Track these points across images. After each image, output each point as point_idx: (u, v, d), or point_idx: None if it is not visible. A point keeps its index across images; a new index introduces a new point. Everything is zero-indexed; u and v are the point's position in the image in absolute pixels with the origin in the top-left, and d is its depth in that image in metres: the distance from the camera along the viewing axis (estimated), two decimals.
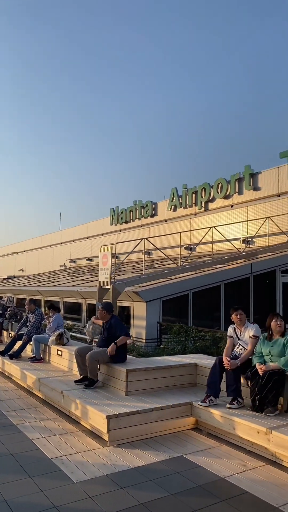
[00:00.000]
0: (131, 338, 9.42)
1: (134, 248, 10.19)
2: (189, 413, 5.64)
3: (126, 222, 25.70)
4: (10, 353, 9.22)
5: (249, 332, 5.70)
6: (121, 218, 25.97)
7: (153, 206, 23.87)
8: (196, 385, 6.51)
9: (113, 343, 6.27)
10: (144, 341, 8.94)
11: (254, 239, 14.40)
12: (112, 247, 9.17)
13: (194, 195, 21.16)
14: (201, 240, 11.71)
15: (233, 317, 5.80)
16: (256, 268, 10.87)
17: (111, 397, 5.83)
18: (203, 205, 20.65)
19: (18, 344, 9.06)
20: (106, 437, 5.09)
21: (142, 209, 24.43)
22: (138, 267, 13.99)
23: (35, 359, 8.51)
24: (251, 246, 13.35)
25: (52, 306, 8.98)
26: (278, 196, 17.43)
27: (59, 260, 28.02)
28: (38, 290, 14.63)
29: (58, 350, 8.08)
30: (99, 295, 9.44)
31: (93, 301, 11.54)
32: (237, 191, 19.09)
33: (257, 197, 18.33)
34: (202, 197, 20.59)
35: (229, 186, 19.24)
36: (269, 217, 13.35)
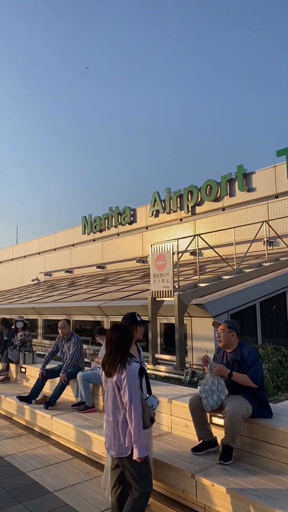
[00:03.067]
0: (190, 366, 6.94)
1: (188, 246, 7.79)
2: None
3: (101, 231, 22.98)
4: (38, 398, 6.40)
5: None
6: (95, 227, 23.20)
7: (132, 212, 21.43)
8: None
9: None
10: None
11: (277, 240, 12.49)
12: (172, 244, 6.67)
13: (179, 199, 19.01)
14: (255, 237, 9.51)
15: None
16: None
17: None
18: (189, 209, 18.52)
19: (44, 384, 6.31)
20: None
21: (119, 216, 21.89)
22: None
23: (85, 407, 5.77)
24: (274, 247, 11.41)
25: (102, 331, 6.29)
26: (276, 197, 15.75)
27: (30, 274, 24.54)
28: (34, 307, 11.60)
29: None
30: (152, 310, 6.87)
31: (119, 318, 8.87)
32: (228, 193, 17.18)
33: (252, 199, 16.53)
34: (188, 200, 18.48)
35: (220, 187, 17.32)
36: None
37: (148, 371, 6.70)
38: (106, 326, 9.05)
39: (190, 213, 18.58)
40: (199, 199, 18.14)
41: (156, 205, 19.97)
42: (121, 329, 3.36)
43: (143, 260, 18.37)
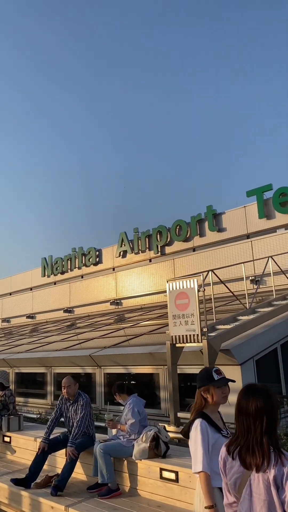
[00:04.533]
0: None
1: (203, 281, 6.75)
2: None
3: (63, 273, 21.58)
4: (38, 481, 4.97)
5: None
6: (56, 269, 21.79)
7: (97, 253, 20.39)
8: None
9: None
10: None
11: (264, 279, 11.98)
12: (196, 280, 5.65)
13: (147, 239, 18.37)
14: (263, 272, 8.77)
15: None
16: None
17: None
18: (159, 249, 17.89)
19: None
20: None
21: (83, 257, 20.74)
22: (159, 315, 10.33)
23: (109, 490, 4.45)
24: (262, 286, 10.89)
25: (122, 387, 5.06)
26: (248, 237, 15.59)
27: None
28: (5, 359, 9.88)
29: (163, 470, 4.22)
30: (172, 358, 5.74)
31: (115, 370, 7.59)
32: (198, 233, 16.82)
33: (223, 238, 16.26)
34: (158, 240, 17.89)
35: (190, 228, 16.95)
36: None
37: (170, 435, 5.35)
38: (99, 379, 7.72)
39: (159, 253, 17.92)
40: (168, 239, 17.61)
41: (123, 245, 19.14)
42: (264, 393, 2.10)
43: (117, 302, 17.22)
